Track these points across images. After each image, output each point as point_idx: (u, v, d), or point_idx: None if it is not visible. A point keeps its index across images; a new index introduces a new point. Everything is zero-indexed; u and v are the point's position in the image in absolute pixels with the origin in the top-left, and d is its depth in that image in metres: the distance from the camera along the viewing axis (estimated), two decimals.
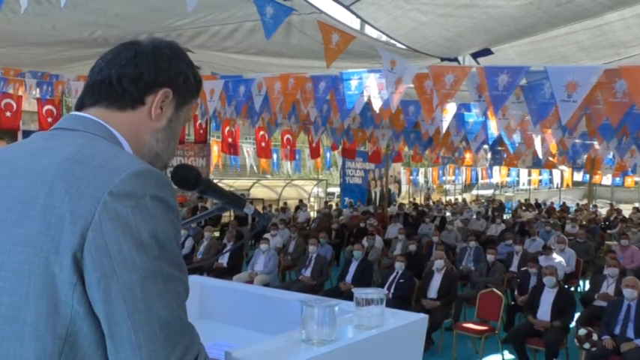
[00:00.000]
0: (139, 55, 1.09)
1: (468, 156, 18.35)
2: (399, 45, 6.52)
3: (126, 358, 0.87)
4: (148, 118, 1.10)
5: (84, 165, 0.93)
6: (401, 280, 7.42)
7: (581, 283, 10.07)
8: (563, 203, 26.27)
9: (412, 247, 9.64)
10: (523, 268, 8.08)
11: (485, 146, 13.87)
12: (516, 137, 10.85)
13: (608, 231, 15.88)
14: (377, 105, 6.08)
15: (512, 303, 7.52)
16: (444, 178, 27.99)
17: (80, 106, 1.11)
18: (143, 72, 1.08)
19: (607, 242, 13.24)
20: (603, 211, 22.37)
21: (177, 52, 1.14)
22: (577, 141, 11.31)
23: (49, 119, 12.99)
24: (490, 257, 8.41)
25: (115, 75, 1.07)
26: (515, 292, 7.57)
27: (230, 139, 16.78)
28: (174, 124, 1.15)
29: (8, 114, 13.04)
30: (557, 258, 8.78)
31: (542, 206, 24.37)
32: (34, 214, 0.91)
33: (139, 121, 1.10)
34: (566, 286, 7.56)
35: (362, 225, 13.85)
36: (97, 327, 0.89)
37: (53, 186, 0.91)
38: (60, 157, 0.95)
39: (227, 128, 16.14)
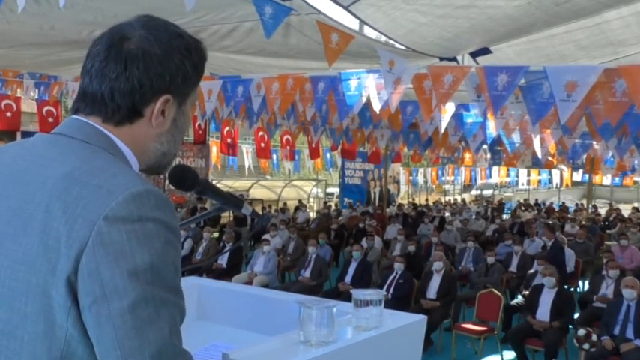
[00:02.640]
0: (129, 66, 0.99)
1: (467, 156, 18.36)
2: (397, 45, 6.52)
3: None
4: (150, 126, 1.04)
5: (82, 184, 0.90)
6: (400, 281, 7.42)
7: (580, 283, 10.07)
8: (563, 203, 26.29)
9: (411, 248, 9.63)
10: (531, 271, 8.07)
11: (485, 146, 13.87)
12: (515, 137, 10.85)
13: (608, 231, 15.88)
14: (376, 105, 6.08)
15: (516, 304, 7.50)
16: (443, 178, 28.01)
17: (76, 111, 1.05)
18: (135, 85, 1.00)
19: (606, 242, 13.24)
20: (602, 211, 22.38)
21: (168, 46, 1.03)
22: (577, 141, 11.30)
23: (50, 119, 13.00)
24: (490, 258, 8.41)
25: (107, 90, 1.00)
26: (524, 292, 7.54)
27: (229, 140, 16.79)
28: (178, 121, 1.09)
29: (9, 114, 13.06)
30: None
31: (542, 206, 24.39)
32: (31, 232, 0.89)
33: (140, 131, 1.04)
34: (565, 287, 7.56)
35: (361, 225, 13.85)
36: (91, 350, 0.88)
37: (51, 205, 0.89)
38: (59, 172, 0.93)
39: (226, 129, 16.14)
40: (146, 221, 0.89)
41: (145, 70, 1.00)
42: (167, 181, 1.16)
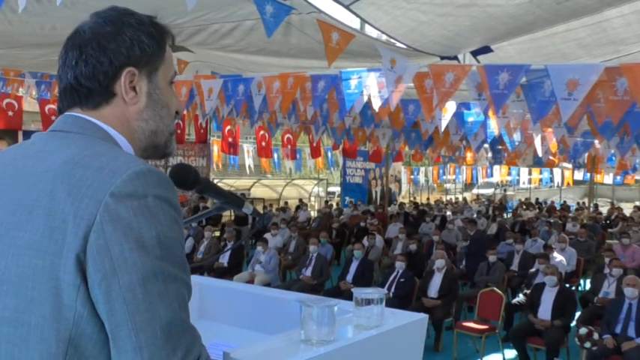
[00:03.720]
0: (83, 49, 1.03)
1: (468, 155, 18.34)
2: (398, 44, 6.52)
3: (126, 358, 0.86)
4: (126, 104, 1.06)
5: (84, 167, 0.92)
6: (401, 280, 7.42)
7: (582, 282, 10.07)
8: (564, 202, 26.26)
9: (412, 247, 9.62)
10: (532, 270, 8.09)
11: (486, 145, 13.86)
12: (516, 136, 10.84)
13: (609, 230, 15.86)
14: (377, 104, 6.07)
15: (517, 302, 7.50)
16: (444, 177, 28.00)
17: (59, 111, 1.09)
18: (95, 65, 1.03)
19: (608, 241, 13.23)
20: (604, 209, 22.35)
21: (119, 22, 1.06)
22: (578, 139, 11.30)
23: (53, 117, 13.00)
24: (491, 257, 8.41)
25: (72, 78, 1.04)
26: (525, 291, 7.53)
27: (230, 139, 16.79)
28: (154, 95, 1.09)
29: (10, 113, 13.08)
30: (557, 257, 8.77)
31: (543, 205, 24.36)
32: (35, 217, 0.90)
33: (120, 111, 1.06)
34: (567, 285, 7.56)
35: (362, 224, 13.84)
36: (100, 329, 0.89)
37: (55, 189, 0.90)
38: (60, 159, 0.94)
39: (227, 128, 16.15)
40: (151, 198, 0.91)
41: (99, 48, 1.03)
42: None
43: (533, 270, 8.09)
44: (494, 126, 8.63)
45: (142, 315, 0.86)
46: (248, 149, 19.30)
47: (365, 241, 10.58)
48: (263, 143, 17.00)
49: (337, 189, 26.37)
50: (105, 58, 1.03)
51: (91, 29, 1.05)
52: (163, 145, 1.14)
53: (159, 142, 1.12)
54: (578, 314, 6.81)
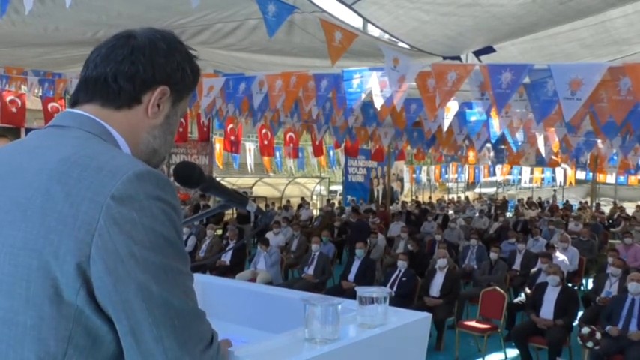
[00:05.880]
0: (135, 51, 1.06)
1: (471, 154, 18.31)
2: (401, 44, 6.51)
3: (147, 349, 0.89)
4: (145, 115, 1.09)
5: (82, 167, 0.92)
6: (403, 279, 7.42)
7: (584, 281, 10.06)
8: (567, 201, 26.21)
9: (409, 246, 9.61)
10: (534, 269, 8.07)
11: (488, 145, 13.84)
12: (519, 136, 10.83)
13: (612, 229, 15.83)
14: (379, 103, 6.07)
15: (519, 301, 7.49)
16: (446, 176, 27.96)
17: (75, 102, 1.09)
18: (139, 69, 1.05)
19: (610, 240, 13.21)
20: (606, 209, 22.31)
21: (173, 45, 1.11)
22: (581, 139, 11.27)
23: (55, 115, 13.02)
24: (493, 255, 8.40)
25: (111, 72, 1.05)
26: (527, 290, 7.52)
27: (232, 137, 16.79)
28: (171, 119, 1.14)
29: (14, 110, 13.10)
30: (560, 256, 8.77)
31: (545, 204, 24.33)
32: (30, 216, 0.90)
33: (135, 119, 1.08)
34: (569, 285, 7.55)
35: None
36: (99, 327, 0.90)
37: (51, 189, 0.90)
38: (56, 157, 0.94)
39: (230, 126, 16.14)
40: (152, 199, 0.92)
41: (150, 58, 1.07)
42: (172, 178, 1.20)
43: (535, 269, 8.09)
44: (496, 125, 8.61)
45: (160, 309, 0.89)
46: (250, 148, 19.29)
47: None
48: (265, 142, 17.00)
49: (339, 188, 26.36)
50: (150, 69, 1.07)
51: (148, 39, 1.09)
52: (154, 166, 1.15)
53: (154, 163, 1.14)
54: (580, 314, 6.81)
